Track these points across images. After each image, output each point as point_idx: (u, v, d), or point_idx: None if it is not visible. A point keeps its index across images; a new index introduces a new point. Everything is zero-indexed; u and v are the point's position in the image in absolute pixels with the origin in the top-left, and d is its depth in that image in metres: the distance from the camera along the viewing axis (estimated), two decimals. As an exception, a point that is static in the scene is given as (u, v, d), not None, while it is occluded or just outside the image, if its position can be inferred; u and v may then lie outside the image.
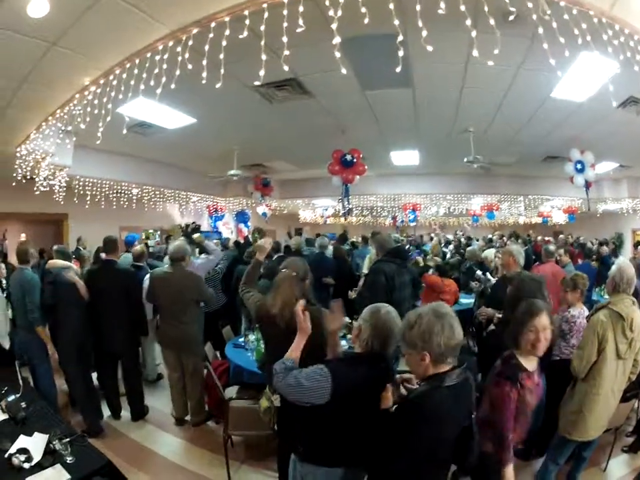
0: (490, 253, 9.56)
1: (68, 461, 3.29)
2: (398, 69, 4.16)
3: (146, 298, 6.49)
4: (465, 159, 10.76)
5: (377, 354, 2.93)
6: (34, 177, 9.88)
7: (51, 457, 3.33)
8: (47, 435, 3.53)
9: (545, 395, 3.48)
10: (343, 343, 4.99)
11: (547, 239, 16.57)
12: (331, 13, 3.93)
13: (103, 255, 6.58)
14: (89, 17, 4.78)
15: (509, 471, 3.06)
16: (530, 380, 3.20)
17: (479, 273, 8.13)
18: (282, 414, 3.84)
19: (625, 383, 4.34)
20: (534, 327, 3.26)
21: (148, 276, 6.75)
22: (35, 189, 10.08)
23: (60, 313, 5.93)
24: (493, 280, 7.24)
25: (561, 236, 16.06)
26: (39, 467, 3.22)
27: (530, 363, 3.30)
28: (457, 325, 2.57)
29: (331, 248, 10.45)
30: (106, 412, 6.42)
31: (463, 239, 16.38)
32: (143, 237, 17.61)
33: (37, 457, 3.29)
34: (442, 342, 2.50)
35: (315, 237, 12.43)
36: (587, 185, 10.99)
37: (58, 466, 3.24)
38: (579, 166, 10.71)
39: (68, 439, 3.51)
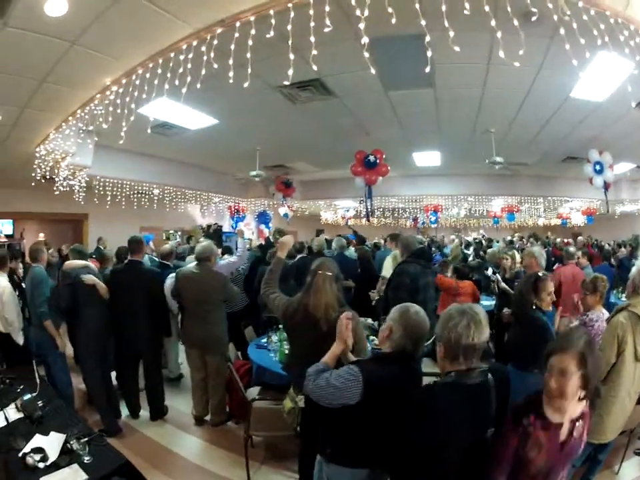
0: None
1: (85, 461, 3.26)
2: (427, 69, 4.14)
3: (171, 295, 6.51)
4: (487, 160, 10.73)
5: (407, 353, 2.90)
6: (53, 177, 9.97)
7: (67, 456, 3.30)
8: (64, 435, 3.51)
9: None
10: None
11: (566, 240, 16.48)
12: (358, 12, 3.92)
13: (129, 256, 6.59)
14: (109, 15, 4.79)
15: None
16: (547, 433, 2.35)
17: (489, 271, 8.05)
18: (306, 415, 3.80)
19: None
20: (552, 369, 2.35)
21: (173, 274, 6.77)
22: (55, 189, 10.20)
23: (80, 314, 5.91)
24: (501, 280, 7.19)
25: (580, 237, 15.98)
26: (55, 466, 3.20)
27: (557, 413, 2.36)
28: (477, 327, 2.52)
29: (351, 249, 10.40)
30: (124, 411, 6.43)
31: (483, 241, 16.32)
32: (164, 238, 17.70)
33: (52, 456, 3.27)
34: (453, 337, 2.51)
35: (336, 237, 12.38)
36: (606, 186, 10.95)
37: (75, 465, 3.21)
38: (597, 167, 10.68)
39: (86, 439, 3.49)
